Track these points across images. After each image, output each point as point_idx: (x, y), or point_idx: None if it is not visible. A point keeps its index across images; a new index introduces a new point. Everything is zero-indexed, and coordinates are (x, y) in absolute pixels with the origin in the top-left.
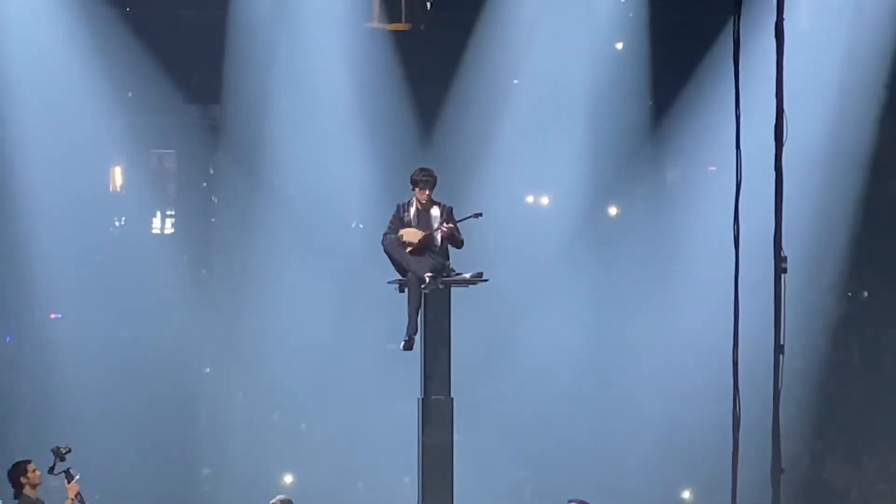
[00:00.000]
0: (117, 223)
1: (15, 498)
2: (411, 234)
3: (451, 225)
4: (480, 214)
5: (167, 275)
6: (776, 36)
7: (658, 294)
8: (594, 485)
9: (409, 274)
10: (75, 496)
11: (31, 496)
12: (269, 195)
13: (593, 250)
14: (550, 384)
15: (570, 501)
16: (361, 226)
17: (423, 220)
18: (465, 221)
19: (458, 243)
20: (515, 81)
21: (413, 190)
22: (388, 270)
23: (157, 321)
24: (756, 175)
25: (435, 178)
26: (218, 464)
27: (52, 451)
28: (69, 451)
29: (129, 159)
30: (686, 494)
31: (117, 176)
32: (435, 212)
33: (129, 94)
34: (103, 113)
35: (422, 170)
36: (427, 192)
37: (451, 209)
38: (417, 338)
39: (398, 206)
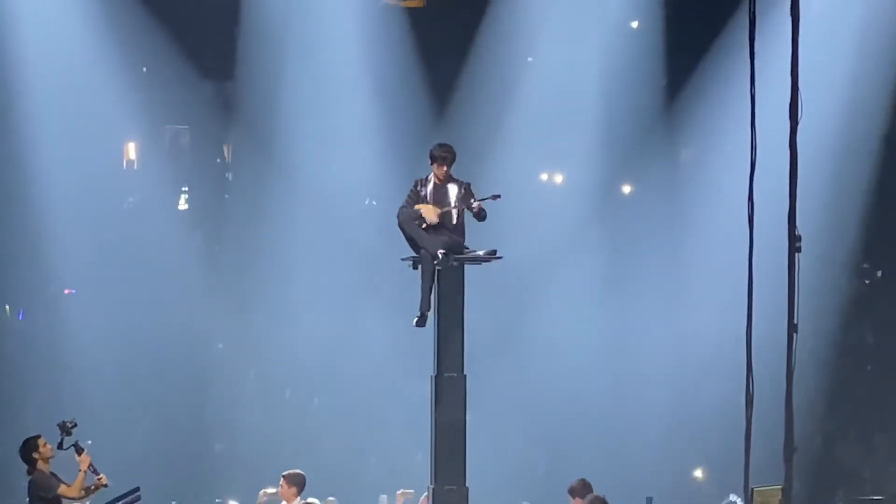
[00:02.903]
0: (131, 199)
1: (29, 474)
2: (429, 211)
3: (479, 201)
4: (499, 196)
5: (180, 251)
6: (791, 14)
7: (671, 273)
8: (606, 463)
9: (423, 250)
10: (88, 468)
11: (45, 470)
12: (282, 172)
13: (607, 228)
14: (563, 362)
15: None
16: (375, 203)
17: (440, 196)
18: (483, 202)
19: (484, 218)
20: (529, 59)
21: (431, 165)
22: (402, 247)
23: (169, 297)
24: (770, 154)
25: (454, 154)
26: (230, 440)
27: (58, 426)
28: (75, 425)
29: (143, 135)
30: (698, 473)
31: (131, 152)
32: (452, 188)
33: (144, 69)
34: (117, 88)
35: (441, 145)
36: (445, 169)
37: (468, 185)
38: (431, 315)
39: (416, 182)
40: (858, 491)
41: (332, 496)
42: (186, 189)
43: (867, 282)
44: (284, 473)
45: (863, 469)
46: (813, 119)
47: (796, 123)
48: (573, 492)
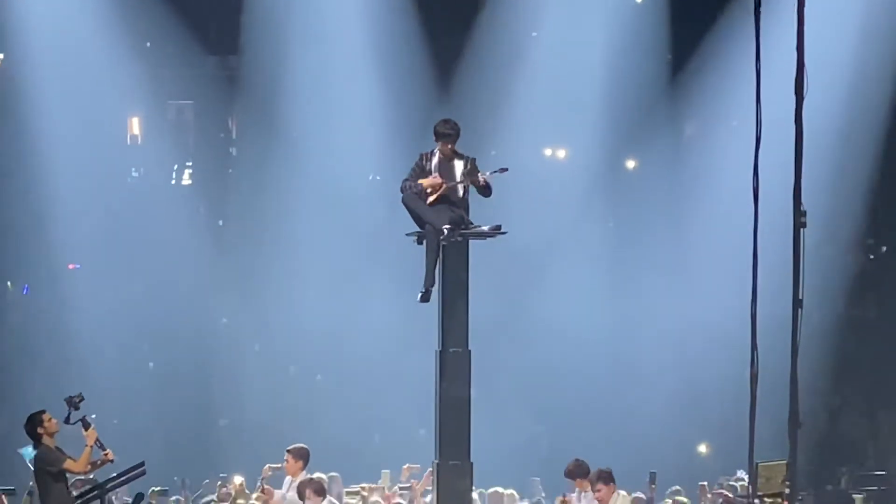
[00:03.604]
0: (135, 174)
1: (34, 449)
2: (431, 181)
3: (485, 176)
4: (506, 169)
5: (184, 226)
6: None
7: (675, 248)
8: (610, 438)
9: (428, 226)
10: (94, 442)
11: (51, 445)
12: (286, 147)
13: (611, 203)
14: (567, 337)
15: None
16: (378, 178)
17: (445, 171)
18: (489, 176)
19: (490, 193)
20: (534, 34)
21: (436, 142)
22: (407, 222)
23: (174, 272)
24: (775, 129)
25: (458, 130)
26: (235, 415)
27: (65, 400)
28: (82, 399)
29: (146, 110)
30: (702, 448)
31: (135, 127)
32: (458, 163)
33: (147, 44)
34: (121, 63)
35: (445, 122)
36: (450, 145)
37: (474, 160)
38: (435, 290)
39: (421, 156)
40: (863, 466)
41: (335, 471)
42: (190, 164)
43: (871, 257)
44: (289, 448)
45: (867, 444)
46: (818, 94)
47: (802, 99)
48: (570, 474)
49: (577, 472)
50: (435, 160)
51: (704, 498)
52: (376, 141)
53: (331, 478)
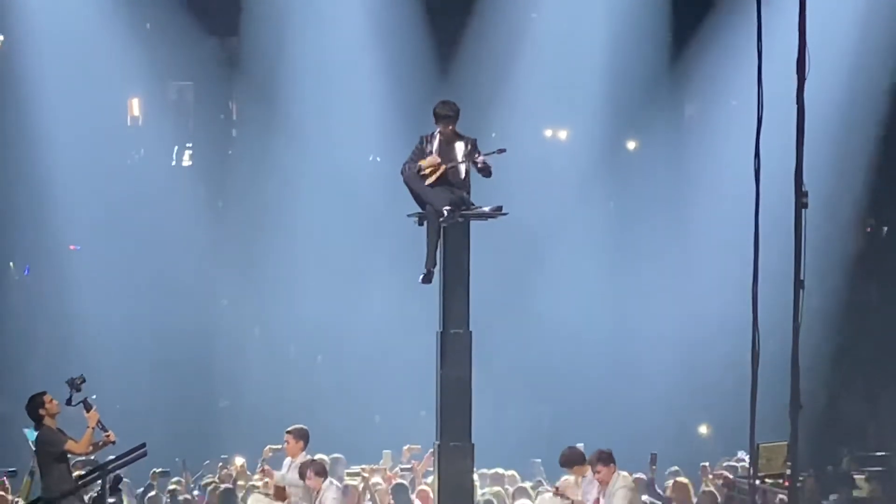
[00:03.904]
0: (135, 155)
1: (36, 430)
2: (429, 160)
3: (484, 156)
4: (504, 150)
5: (185, 207)
6: None
7: (676, 229)
8: (610, 419)
9: (429, 207)
10: (96, 424)
11: (52, 426)
12: (286, 128)
13: (611, 184)
14: (568, 318)
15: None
16: (379, 159)
17: (446, 152)
18: (488, 157)
19: (490, 174)
20: (534, 15)
21: (436, 124)
22: (408, 203)
23: (174, 253)
24: (777, 110)
25: (458, 111)
26: (235, 396)
27: (66, 382)
28: (84, 381)
29: (147, 91)
30: (703, 429)
31: (135, 108)
32: (459, 144)
33: (147, 25)
34: (121, 45)
35: (444, 103)
36: (451, 126)
37: (475, 141)
38: (436, 271)
39: (421, 138)
40: (863, 447)
41: (336, 452)
42: (191, 145)
43: (873, 238)
44: (289, 429)
45: (867, 425)
46: (820, 75)
47: (804, 79)
48: (567, 462)
49: (573, 459)
50: (436, 142)
51: (706, 479)
52: (377, 122)
53: (334, 459)
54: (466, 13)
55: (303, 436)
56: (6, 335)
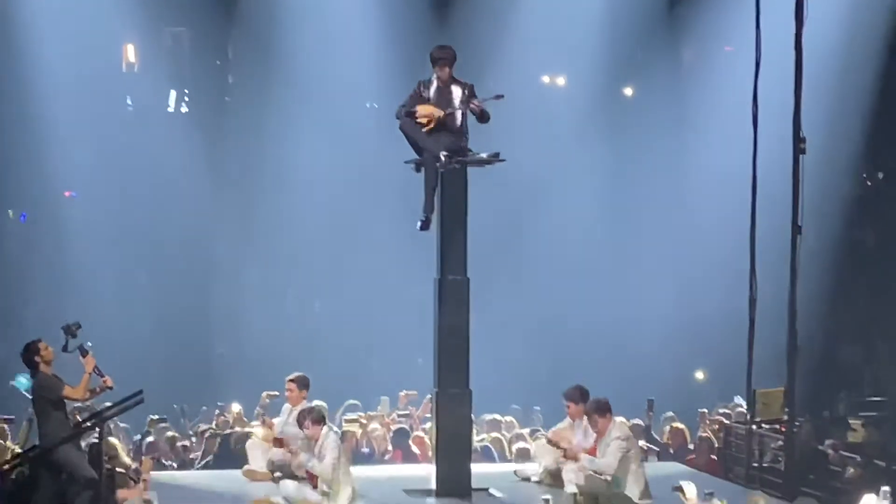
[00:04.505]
0: (131, 101)
1: (32, 377)
2: (427, 109)
3: (481, 102)
4: (502, 96)
5: (181, 154)
6: None
7: (674, 174)
8: (608, 365)
9: (426, 153)
10: (93, 370)
11: (48, 373)
12: (283, 74)
13: (609, 130)
14: (565, 264)
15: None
16: (376, 105)
17: (443, 97)
18: (486, 103)
19: (487, 119)
20: None
21: (433, 68)
22: (405, 150)
23: (171, 200)
24: (774, 56)
25: (454, 54)
26: (232, 343)
27: (62, 328)
28: (79, 327)
29: (142, 37)
30: (700, 375)
31: (131, 54)
32: (456, 90)
33: None
34: None
35: (440, 47)
36: (448, 69)
37: (472, 87)
38: (434, 218)
39: (418, 83)
40: (859, 392)
41: (333, 398)
42: (187, 92)
43: (869, 183)
44: (291, 377)
45: (864, 370)
46: (817, 20)
47: (801, 25)
48: (570, 397)
49: (575, 396)
50: (433, 88)
51: (704, 425)
52: (374, 68)
53: (350, 406)
54: None
55: (306, 384)
56: (3, 281)
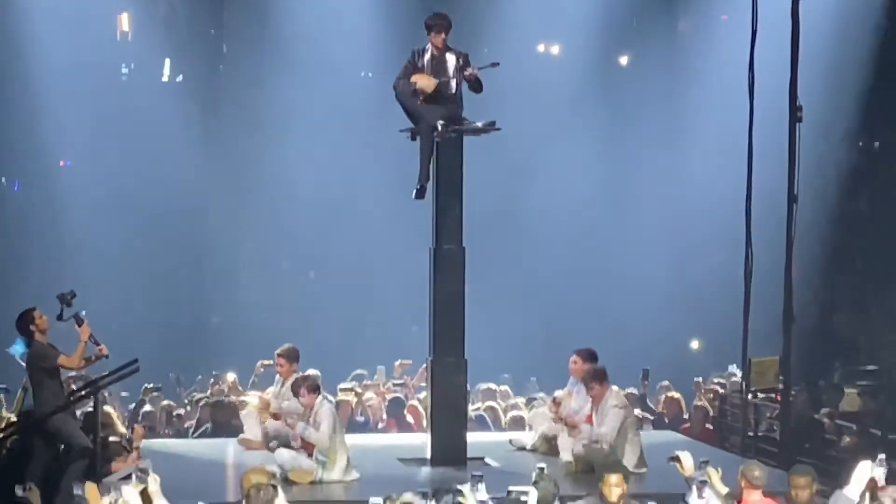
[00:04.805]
0: (125, 70)
1: (28, 346)
2: (424, 80)
3: (476, 70)
4: (498, 64)
5: (176, 123)
6: None
7: (670, 144)
8: (603, 334)
9: (421, 122)
10: (89, 338)
11: (43, 342)
12: (277, 43)
13: (604, 100)
14: (561, 233)
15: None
16: (371, 74)
17: (438, 65)
18: (481, 71)
19: (481, 88)
20: None
21: (428, 35)
22: (400, 118)
23: (166, 169)
24: (771, 24)
25: (449, 21)
26: (227, 312)
27: (57, 297)
28: (74, 295)
29: (136, 5)
30: (695, 344)
31: (124, 22)
32: (450, 58)
33: None
34: None
35: (436, 14)
36: (442, 36)
37: (467, 55)
38: (429, 186)
39: (413, 52)
40: (854, 361)
41: (327, 367)
42: (181, 60)
43: (865, 152)
44: (279, 352)
45: (858, 339)
46: None
47: None
48: (580, 353)
49: (584, 353)
50: (427, 56)
51: (699, 394)
52: (369, 37)
53: (357, 376)
54: None
55: (295, 357)
56: None
